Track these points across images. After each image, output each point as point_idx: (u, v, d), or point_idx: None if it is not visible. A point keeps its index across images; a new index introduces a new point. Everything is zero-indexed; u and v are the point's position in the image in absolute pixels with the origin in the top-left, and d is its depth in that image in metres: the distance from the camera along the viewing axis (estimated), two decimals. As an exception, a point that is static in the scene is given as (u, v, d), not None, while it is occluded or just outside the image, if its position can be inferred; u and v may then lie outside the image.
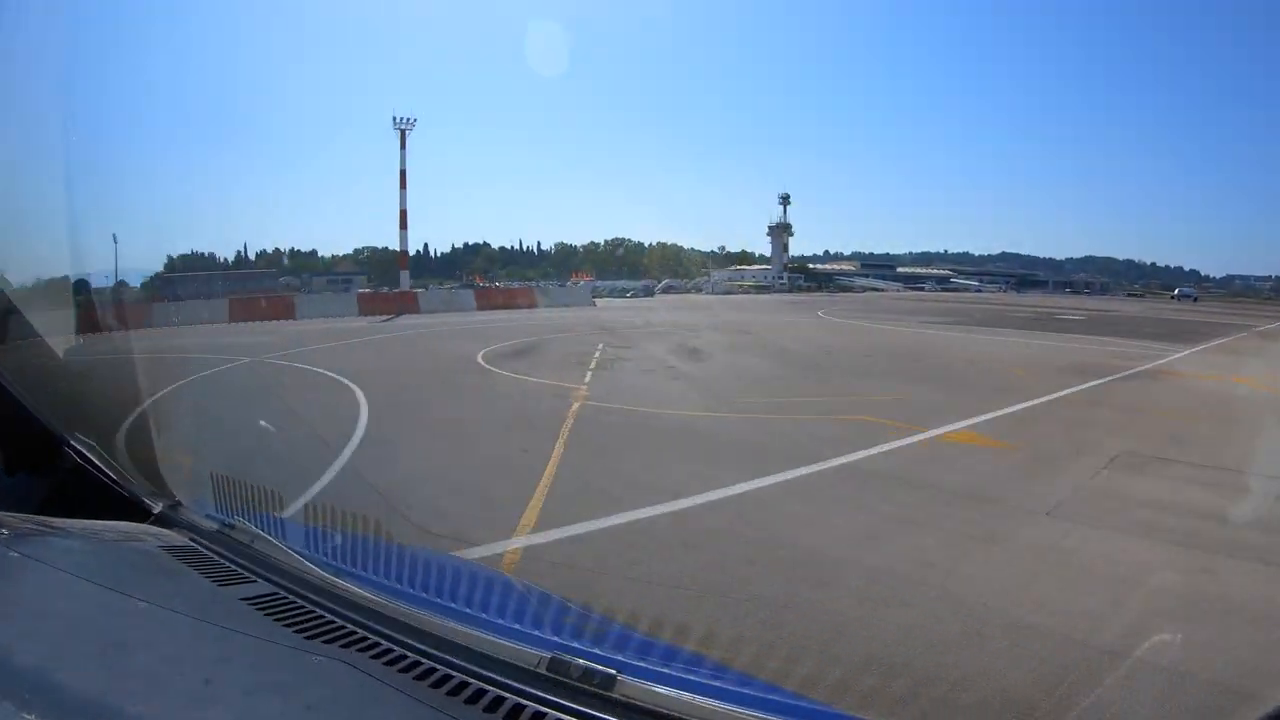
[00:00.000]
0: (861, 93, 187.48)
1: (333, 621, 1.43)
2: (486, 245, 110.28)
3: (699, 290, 66.65)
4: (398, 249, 52.40)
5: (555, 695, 1.19)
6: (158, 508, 2.00)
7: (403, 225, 48.09)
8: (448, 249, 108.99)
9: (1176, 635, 3.52)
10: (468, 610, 1.55)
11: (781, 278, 75.47)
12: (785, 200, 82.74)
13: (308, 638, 1.36)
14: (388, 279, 69.44)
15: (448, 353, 15.41)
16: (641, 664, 1.34)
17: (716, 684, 1.35)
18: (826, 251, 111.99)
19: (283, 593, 1.57)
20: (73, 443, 1.96)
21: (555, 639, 1.40)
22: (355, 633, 1.38)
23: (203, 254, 75.83)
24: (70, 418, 2.05)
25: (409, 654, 1.31)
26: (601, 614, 1.64)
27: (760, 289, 68.72)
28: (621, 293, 51.30)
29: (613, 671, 1.24)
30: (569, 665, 1.25)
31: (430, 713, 1.15)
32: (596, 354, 14.80)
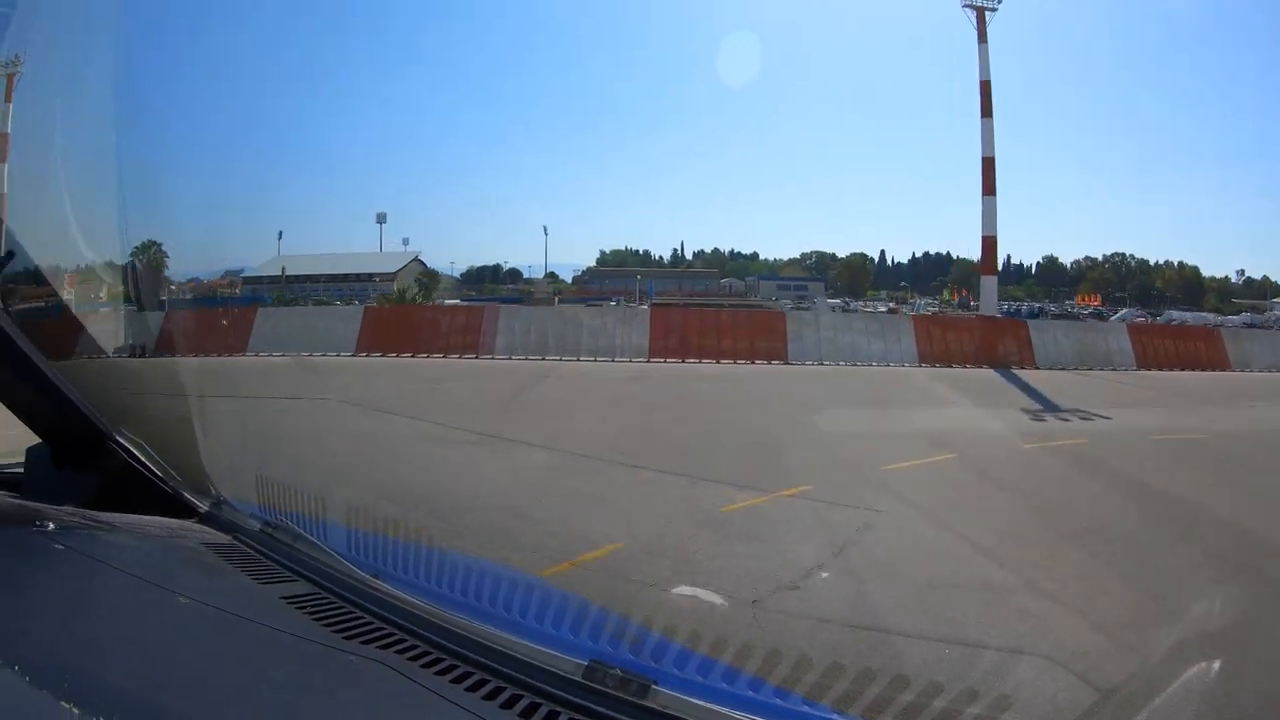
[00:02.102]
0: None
1: (371, 623, 1.44)
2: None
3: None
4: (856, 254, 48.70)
5: (591, 702, 1.18)
6: (202, 506, 2.03)
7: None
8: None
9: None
10: (505, 615, 1.55)
11: None
12: None
13: (346, 637, 1.36)
14: (853, 289, 64.71)
15: None
16: (678, 674, 1.32)
17: (753, 696, 1.33)
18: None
19: (322, 593, 1.58)
20: (120, 440, 2.00)
21: (592, 646, 1.39)
22: (393, 634, 1.39)
23: (635, 250, 74.45)
24: (118, 415, 2.10)
25: (446, 657, 1.31)
26: (639, 622, 1.63)
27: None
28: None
29: (649, 680, 1.22)
30: (605, 673, 1.24)
31: (465, 716, 1.14)
32: None
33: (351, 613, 1.48)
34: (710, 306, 31.24)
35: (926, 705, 1.50)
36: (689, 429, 9.69)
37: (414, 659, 1.29)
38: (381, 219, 66.94)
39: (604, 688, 1.21)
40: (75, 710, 0.97)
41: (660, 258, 74.77)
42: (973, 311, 38.83)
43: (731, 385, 14.13)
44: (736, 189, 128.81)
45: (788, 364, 16.53)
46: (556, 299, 48.93)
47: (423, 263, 65.07)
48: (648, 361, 16.35)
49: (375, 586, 1.62)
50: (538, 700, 1.18)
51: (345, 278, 59.48)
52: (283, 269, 58.67)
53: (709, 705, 1.20)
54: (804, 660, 1.49)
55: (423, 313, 25.30)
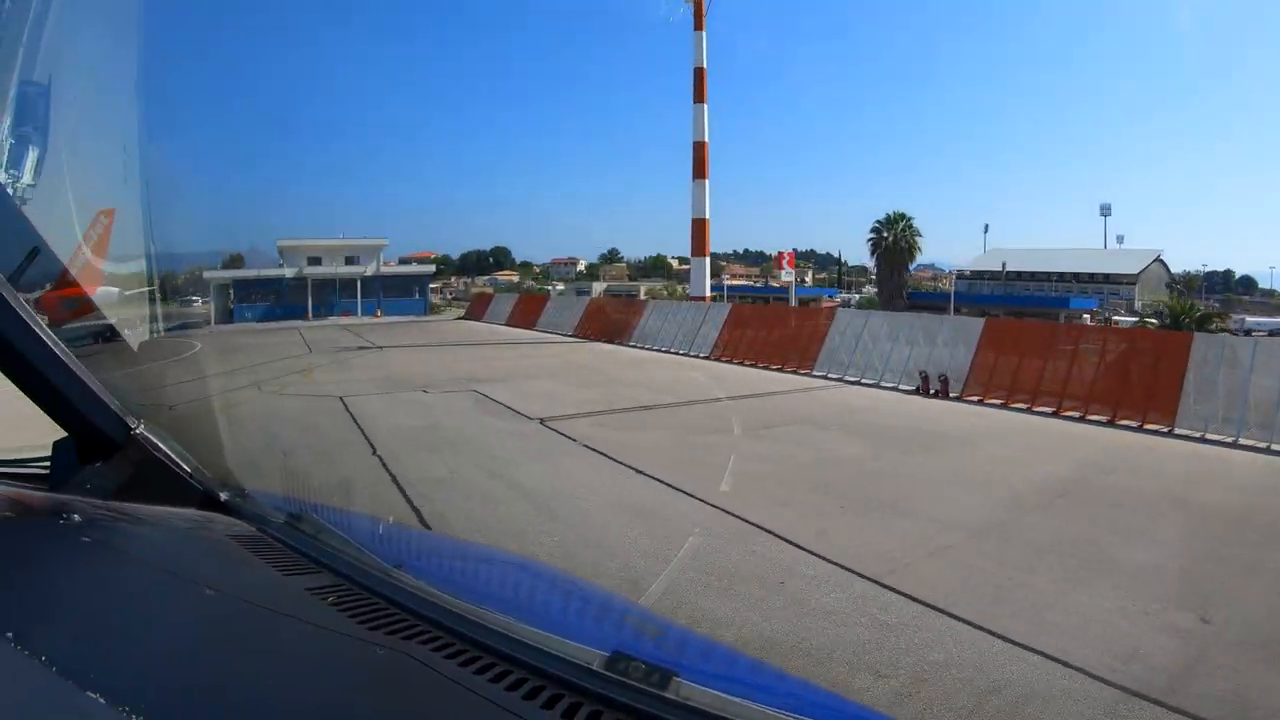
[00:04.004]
0: None
1: (394, 614, 1.44)
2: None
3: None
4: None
5: (613, 694, 1.17)
6: (226, 497, 2.05)
7: None
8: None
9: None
10: (528, 606, 1.55)
11: None
12: None
13: (370, 628, 1.37)
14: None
15: None
16: (701, 667, 1.32)
17: (776, 689, 1.32)
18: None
19: (346, 584, 1.58)
20: (144, 432, 2.02)
21: (615, 638, 1.39)
22: (416, 625, 1.39)
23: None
24: (143, 408, 2.12)
25: (469, 648, 1.31)
26: (661, 616, 1.62)
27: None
28: None
29: (671, 672, 1.21)
30: (627, 665, 1.23)
31: (488, 706, 1.14)
32: None
33: (375, 604, 1.48)
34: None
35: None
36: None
37: (437, 650, 1.30)
38: (1106, 211, 61.08)
39: (626, 679, 1.21)
40: (102, 700, 0.98)
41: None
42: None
43: None
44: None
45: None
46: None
47: (1165, 264, 57.14)
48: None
49: (398, 578, 1.62)
50: (560, 691, 1.18)
51: (1076, 277, 54.10)
52: (1003, 264, 55.43)
53: (732, 697, 1.19)
54: (826, 655, 1.48)
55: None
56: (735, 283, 69.03)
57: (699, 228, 36.35)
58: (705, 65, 36.13)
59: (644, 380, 15.81)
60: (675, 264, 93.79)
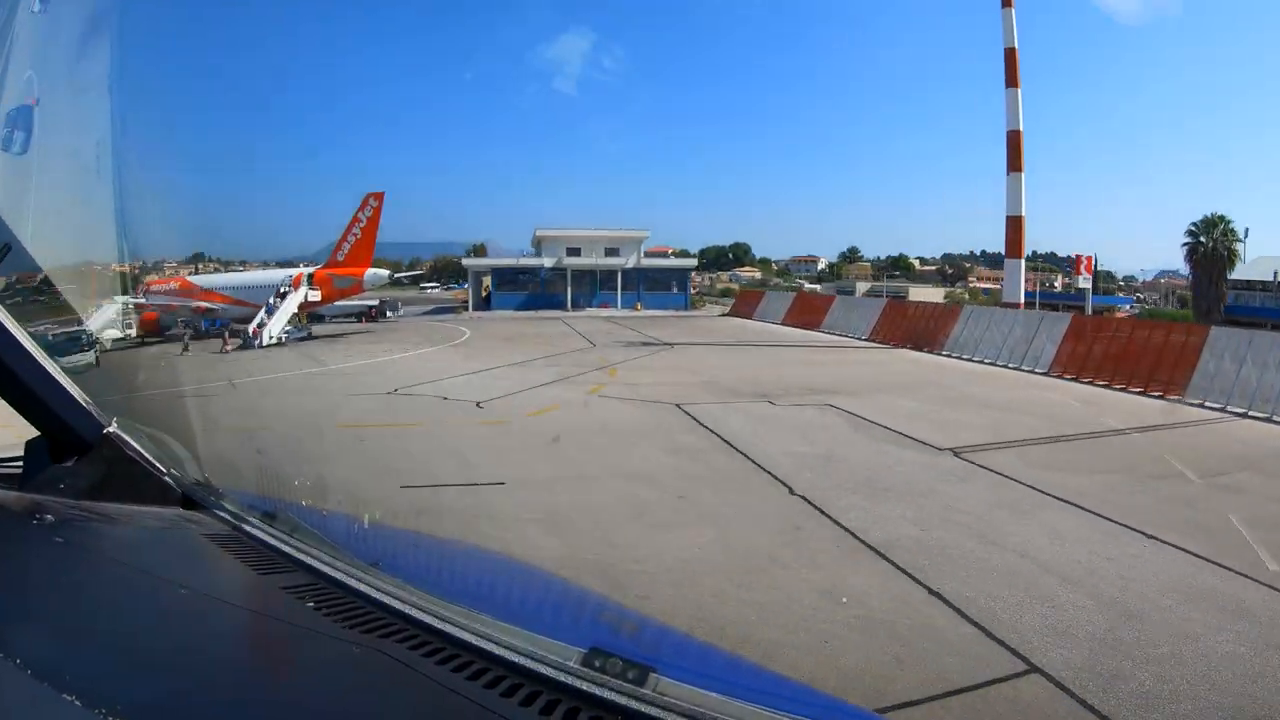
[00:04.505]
0: None
1: (371, 612, 1.44)
2: None
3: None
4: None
5: (591, 690, 1.18)
6: (201, 496, 2.04)
7: None
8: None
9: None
10: (505, 604, 1.55)
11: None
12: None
13: (346, 627, 1.37)
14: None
15: None
16: (678, 663, 1.33)
17: (752, 684, 1.34)
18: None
19: (322, 583, 1.58)
20: (118, 432, 2.00)
21: (592, 635, 1.39)
22: (393, 624, 1.39)
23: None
24: (117, 407, 2.10)
25: (446, 646, 1.31)
26: (638, 612, 1.64)
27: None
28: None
29: (648, 668, 1.22)
30: (605, 662, 1.24)
31: (466, 705, 1.15)
32: None
33: (351, 602, 1.48)
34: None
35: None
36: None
37: (414, 648, 1.30)
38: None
39: (604, 675, 1.22)
40: (78, 703, 0.97)
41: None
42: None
43: None
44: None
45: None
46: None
47: None
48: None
49: (375, 576, 1.62)
50: (538, 689, 1.19)
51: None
52: (1274, 274, 49.11)
53: (709, 693, 1.20)
54: (804, 651, 1.50)
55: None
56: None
57: (1014, 226, 32.20)
58: (1016, 46, 31.70)
59: (1004, 400, 14.15)
60: (916, 264, 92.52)
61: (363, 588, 1.55)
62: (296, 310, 28.75)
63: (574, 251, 47.15)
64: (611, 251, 47.79)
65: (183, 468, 2.11)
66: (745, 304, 38.50)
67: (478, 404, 13.41)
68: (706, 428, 11.07)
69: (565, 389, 15.12)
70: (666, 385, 15.20)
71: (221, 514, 1.97)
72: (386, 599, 1.50)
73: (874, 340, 24.76)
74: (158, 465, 2.02)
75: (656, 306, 46.04)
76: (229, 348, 25.77)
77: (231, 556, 1.70)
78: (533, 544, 6.31)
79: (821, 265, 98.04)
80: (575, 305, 45.92)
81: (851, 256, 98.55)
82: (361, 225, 31.07)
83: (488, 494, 8.03)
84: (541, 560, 5.40)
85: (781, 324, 31.60)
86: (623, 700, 1.17)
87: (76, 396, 1.93)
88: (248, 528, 1.89)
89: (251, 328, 26.95)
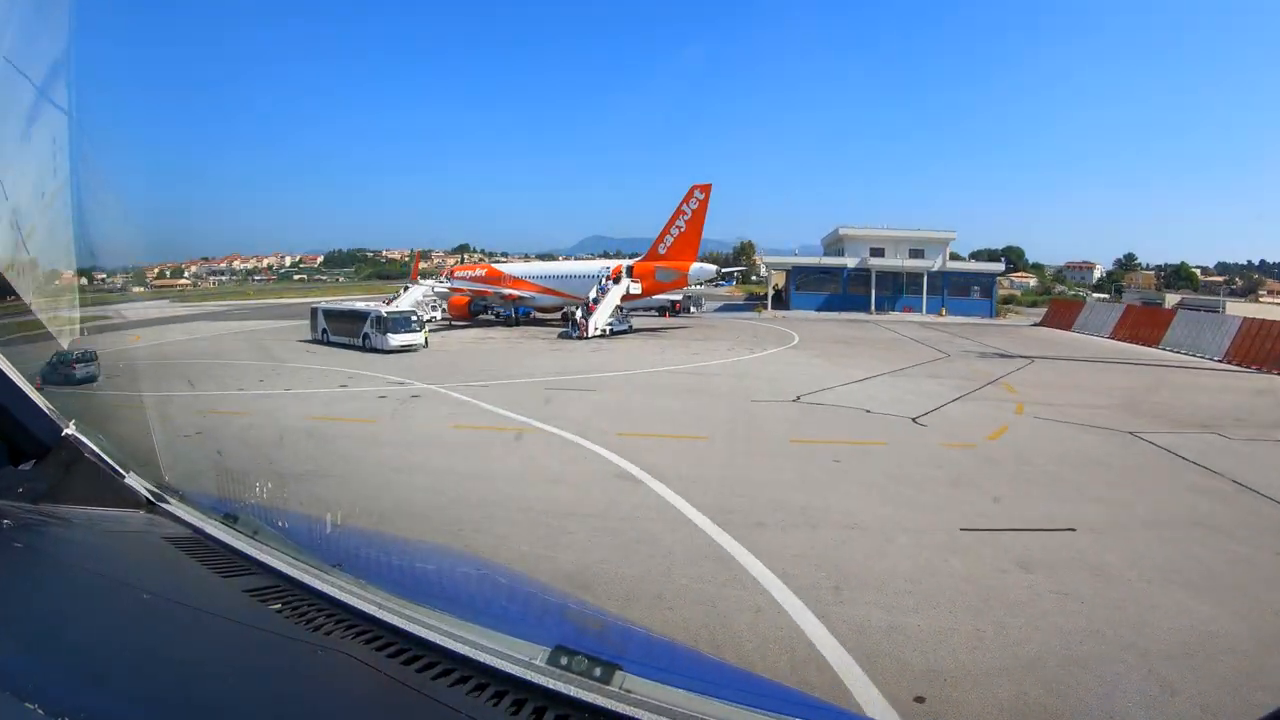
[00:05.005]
0: None
1: (334, 613, 1.44)
2: None
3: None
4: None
5: (558, 688, 1.20)
6: (162, 498, 2.01)
7: None
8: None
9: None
10: (470, 602, 1.56)
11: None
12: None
13: (311, 629, 1.37)
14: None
15: None
16: (643, 659, 1.34)
17: (716, 680, 1.36)
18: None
19: (285, 584, 1.57)
20: (76, 434, 1.97)
21: (557, 633, 1.40)
22: (357, 624, 1.39)
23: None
24: (74, 409, 2.06)
25: (410, 646, 1.31)
26: (602, 610, 1.65)
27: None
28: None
29: (614, 665, 1.24)
30: (571, 660, 1.25)
31: (433, 705, 1.15)
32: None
33: (315, 604, 1.48)
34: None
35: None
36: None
37: (379, 649, 1.30)
38: None
39: (570, 673, 1.23)
40: (40, 711, 0.97)
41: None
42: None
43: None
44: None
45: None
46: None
47: None
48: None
49: (338, 577, 1.62)
50: (504, 688, 1.20)
51: None
52: None
53: (675, 689, 1.22)
54: (762, 645, 1.52)
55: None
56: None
57: None
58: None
59: None
60: (1198, 274, 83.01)
61: (326, 589, 1.55)
62: (619, 303, 27.91)
63: (878, 252, 45.02)
64: (916, 253, 45.07)
65: (142, 469, 2.08)
66: (1061, 315, 35.75)
67: (914, 420, 11.80)
68: (1206, 468, 9.05)
69: (981, 406, 13.44)
70: (1080, 406, 13.24)
71: (183, 516, 1.95)
72: (351, 600, 1.50)
73: (1233, 363, 21.34)
74: (117, 468, 1.99)
75: (959, 312, 42.78)
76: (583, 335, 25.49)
77: (193, 560, 1.69)
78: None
79: (1098, 272, 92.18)
80: (879, 308, 43.59)
81: (1128, 264, 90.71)
82: (686, 217, 29.12)
83: (1084, 543, 6.35)
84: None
85: (1109, 338, 28.48)
86: (589, 697, 1.18)
87: (33, 398, 1.90)
88: (210, 530, 1.87)
89: (578, 318, 26.57)
